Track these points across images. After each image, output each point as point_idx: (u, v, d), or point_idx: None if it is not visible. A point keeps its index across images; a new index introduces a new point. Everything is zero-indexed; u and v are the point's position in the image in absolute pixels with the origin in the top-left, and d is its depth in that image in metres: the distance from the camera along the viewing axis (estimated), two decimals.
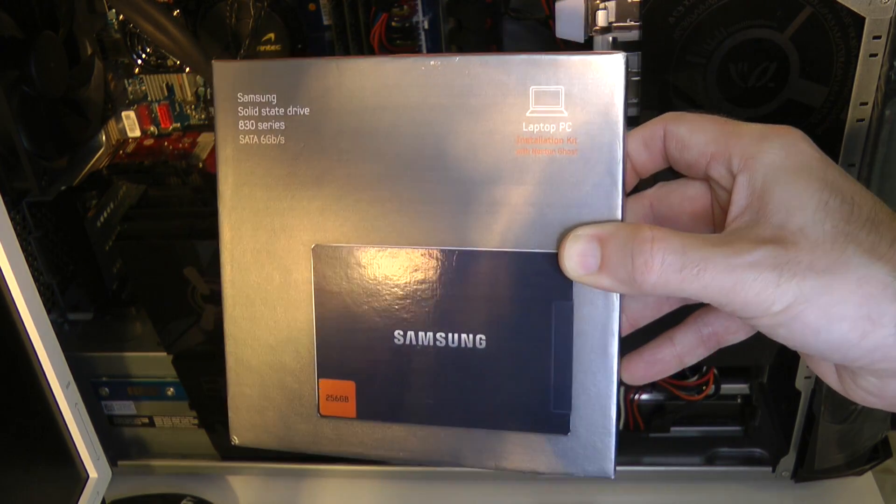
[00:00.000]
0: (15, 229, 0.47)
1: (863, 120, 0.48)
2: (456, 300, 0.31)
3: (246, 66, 0.32)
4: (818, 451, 0.62)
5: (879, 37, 0.45)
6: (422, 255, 0.31)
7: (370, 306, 0.32)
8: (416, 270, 0.31)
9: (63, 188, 0.63)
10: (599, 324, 0.30)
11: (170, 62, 0.68)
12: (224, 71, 0.32)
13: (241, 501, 0.71)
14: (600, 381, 0.30)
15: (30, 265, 0.48)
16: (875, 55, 0.46)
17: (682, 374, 0.66)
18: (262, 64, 0.32)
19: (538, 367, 0.31)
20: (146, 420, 0.70)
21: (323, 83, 0.31)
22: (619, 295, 0.30)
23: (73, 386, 0.52)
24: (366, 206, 0.31)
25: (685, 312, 0.33)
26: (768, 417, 0.68)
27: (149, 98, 0.70)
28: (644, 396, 0.67)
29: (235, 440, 0.34)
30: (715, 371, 0.65)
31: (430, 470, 0.70)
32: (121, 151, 0.70)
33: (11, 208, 0.57)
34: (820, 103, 0.48)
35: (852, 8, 0.45)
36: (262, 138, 0.31)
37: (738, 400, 0.68)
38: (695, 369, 0.65)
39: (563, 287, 0.30)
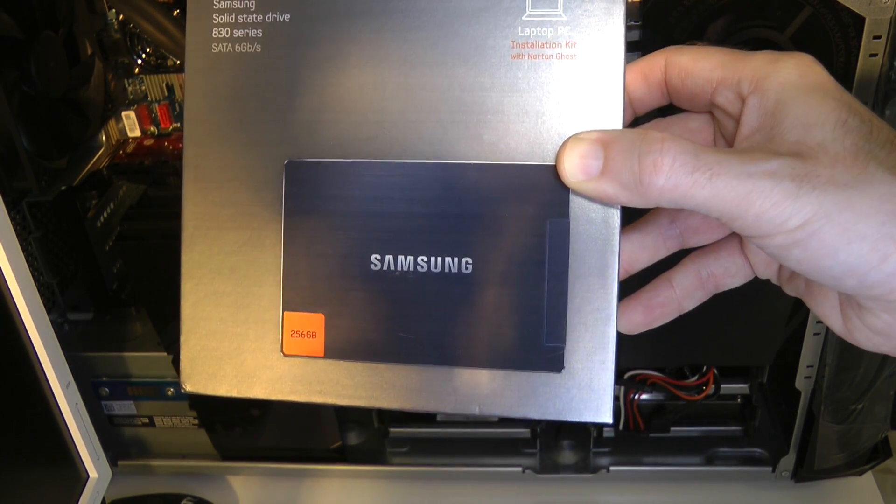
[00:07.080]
0: (15, 229, 0.47)
1: None
2: (441, 219, 0.28)
3: None
4: (818, 451, 0.62)
5: (879, 37, 0.45)
6: (404, 169, 0.28)
7: (345, 227, 0.29)
8: (397, 187, 0.28)
9: (63, 188, 0.63)
10: (599, 243, 0.27)
11: (170, 62, 0.68)
12: None
13: (241, 501, 0.71)
14: (599, 308, 0.27)
15: (30, 265, 0.48)
16: (875, 55, 0.46)
17: (682, 374, 0.66)
18: None
19: (530, 294, 0.28)
20: (146, 420, 0.70)
21: None
22: (619, 211, 0.27)
23: (73, 386, 0.52)
24: (345, 118, 0.28)
25: (679, 260, 0.32)
26: (768, 417, 0.68)
27: (149, 98, 0.70)
28: (644, 396, 0.67)
29: (187, 387, 0.30)
30: (715, 371, 0.64)
31: (430, 470, 0.70)
32: (121, 151, 0.70)
33: (11, 208, 0.57)
34: None
35: (852, 8, 0.45)
36: (236, 46, 0.29)
37: (738, 400, 0.68)
38: (695, 369, 0.65)
39: (559, 203, 0.27)
